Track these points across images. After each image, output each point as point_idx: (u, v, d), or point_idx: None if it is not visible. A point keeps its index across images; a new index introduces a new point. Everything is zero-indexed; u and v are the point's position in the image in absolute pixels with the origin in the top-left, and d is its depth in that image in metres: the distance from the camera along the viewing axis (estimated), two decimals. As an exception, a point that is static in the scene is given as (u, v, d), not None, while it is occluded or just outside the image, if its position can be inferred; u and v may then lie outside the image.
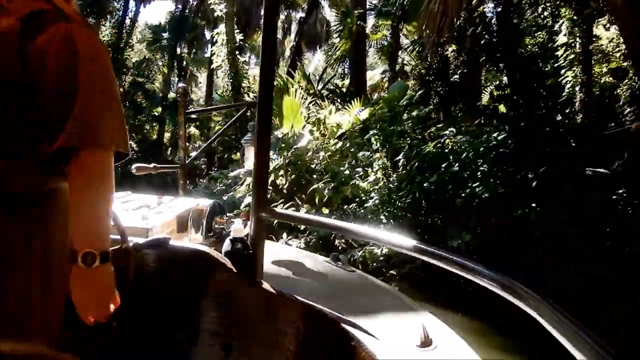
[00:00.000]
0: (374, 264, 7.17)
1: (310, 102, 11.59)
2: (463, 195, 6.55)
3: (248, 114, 3.68)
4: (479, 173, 6.84)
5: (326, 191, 8.36)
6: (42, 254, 1.20)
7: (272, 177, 9.81)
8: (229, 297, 1.74)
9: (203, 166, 29.60)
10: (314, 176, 9.69)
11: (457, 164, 6.89)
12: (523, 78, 7.67)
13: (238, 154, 13.13)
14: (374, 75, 21.67)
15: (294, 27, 31.74)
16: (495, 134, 7.09)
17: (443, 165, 6.90)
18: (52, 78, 1.13)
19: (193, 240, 2.27)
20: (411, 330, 1.39)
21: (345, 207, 8.60)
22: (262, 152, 1.79)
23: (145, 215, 2.17)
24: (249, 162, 2.55)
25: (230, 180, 11.63)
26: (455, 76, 12.23)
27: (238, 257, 1.76)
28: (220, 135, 4.62)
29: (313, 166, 10.00)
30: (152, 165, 3.34)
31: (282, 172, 9.88)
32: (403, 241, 1.32)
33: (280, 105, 11.68)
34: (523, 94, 7.49)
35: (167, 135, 29.59)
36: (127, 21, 28.48)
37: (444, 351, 1.32)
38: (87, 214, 1.21)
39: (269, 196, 10.18)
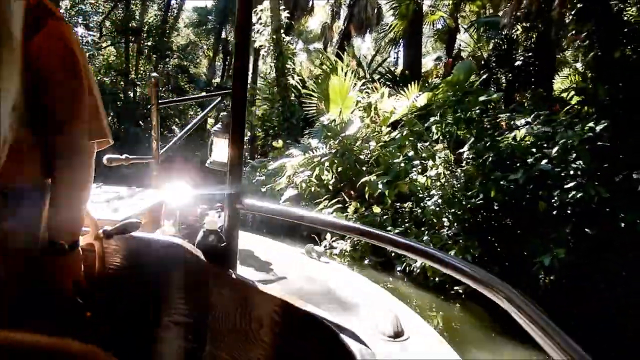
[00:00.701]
0: (436, 279, 5.97)
1: (362, 86, 10.36)
2: (555, 198, 5.24)
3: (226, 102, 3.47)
4: (570, 171, 5.51)
5: (380, 185, 7.17)
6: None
7: (316, 170, 8.69)
8: (201, 290, 1.70)
9: (246, 153, 28.94)
10: (364, 168, 8.52)
11: (544, 160, 5.58)
12: (625, 56, 6.24)
13: (280, 141, 12.06)
14: (426, 62, 20.17)
15: (343, 12, 30.54)
16: (590, 124, 5.72)
17: (529, 160, 5.61)
18: (56, 77, 1.19)
19: (166, 233, 2.20)
20: (384, 321, 1.40)
21: (400, 205, 7.40)
22: (236, 142, 1.71)
23: (116, 207, 2.18)
24: (217, 153, 2.50)
25: (270, 171, 10.61)
26: (522, 58, 10.80)
27: (211, 249, 1.69)
28: (196, 125, 4.39)
29: (363, 157, 8.82)
30: (124, 156, 3.07)
31: (327, 163, 8.74)
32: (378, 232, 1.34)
33: (327, 88, 10.53)
34: (627, 75, 6.07)
35: (210, 121, 28.99)
36: (174, 4, 28.09)
37: (415, 342, 1.35)
38: (62, 206, 1.28)
39: (312, 191, 9.38)
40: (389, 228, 6.96)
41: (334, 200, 7.72)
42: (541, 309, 0.81)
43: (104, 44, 24.27)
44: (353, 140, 9.23)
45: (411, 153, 7.58)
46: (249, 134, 28.78)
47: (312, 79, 13.11)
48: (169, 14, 27.81)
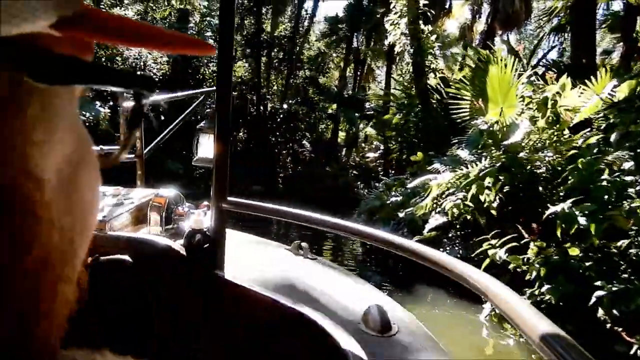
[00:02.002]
0: None
1: (527, 79, 7.85)
2: None
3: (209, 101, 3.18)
4: None
5: (580, 218, 4.69)
6: None
7: (472, 190, 6.37)
8: (186, 289, 1.71)
9: (379, 168, 27.01)
10: (542, 188, 6.06)
11: None
12: None
13: (419, 153, 9.87)
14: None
15: (485, 9, 27.72)
16: None
17: None
18: None
19: (151, 232, 2.10)
20: (372, 317, 1.39)
21: (610, 244, 4.87)
22: (222, 140, 1.75)
23: (100, 206, 1.99)
24: (203, 150, 2.34)
25: (409, 190, 8.49)
26: None
27: (197, 249, 1.69)
28: (179, 124, 3.15)
29: (539, 172, 6.36)
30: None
31: (488, 180, 6.39)
32: (378, 233, 1.37)
33: (482, 84, 8.16)
34: None
35: (341, 134, 27.54)
36: (304, 14, 27.30)
37: (403, 336, 1.35)
38: None
39: (467, 219, 7.12)
40: (597, 283, 4.49)
41: (505, 237, 5.34)
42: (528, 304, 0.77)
43: (234, 58, 23.86)
44: (520, 148, 6.81)
45: (628, 165, 5.02)
46: (381, 147, 27.06)
47: (455, 81, 10.75)
48: (300, 25, 27.01)
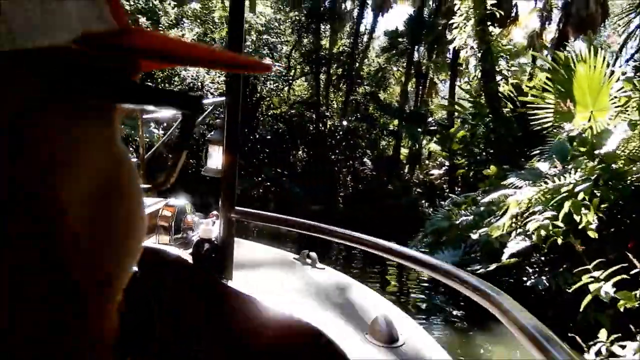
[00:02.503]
0: None
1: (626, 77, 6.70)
2: None
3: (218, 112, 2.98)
4: None
5: None
6: None
7: (565, 208, 5.30)
8: (194, 298, 1.72)
9: (444, 185, 25.74)
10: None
11: None
12: None
13: (492, 167, 8.81)
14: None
15: (555, 15, 26.20)
16: None
17: None
18: None
19: (160, 242, 2.11)
20: (379, 328, 1.38)
21: None
22: (230, 151, 1.78)
23: None
24: (213, 161, 2.36)
25: (482, 209, 7.47)
26: None
27: (205, 258, 1.71)
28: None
29: (646, 186, 5.24)
30: None
31: (582, 196, 5.32)
32: (385, 244, 1.41)
33: (567, 85, 7.08)
34: None
35: (404, 151, 26.50)
36: (363, 29, 26.72)
37: (410, 347, 1.34)
38: None
39: (559, 241, 5.96)
40: None
41: (612, 268, 4.25)
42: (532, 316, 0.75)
43: (292, 75, 23.45)
44: (618, 157, 5.70)
45: None
46: (446, 163, 25.85)
47: (530, 87, 9.61)
48: (359, 40, 26.40)
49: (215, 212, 2.05)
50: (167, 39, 0.33)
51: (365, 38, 27.07)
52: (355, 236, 1.48)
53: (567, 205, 5.16)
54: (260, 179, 18.39)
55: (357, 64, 25.26)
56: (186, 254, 1.79)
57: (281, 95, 22.97)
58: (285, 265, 2.07)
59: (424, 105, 26.24)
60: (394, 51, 27.25)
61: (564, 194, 5.38)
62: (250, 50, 18.63)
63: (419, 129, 23.52)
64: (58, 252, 0.29)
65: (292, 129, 21.19)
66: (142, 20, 15.77)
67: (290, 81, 23.44)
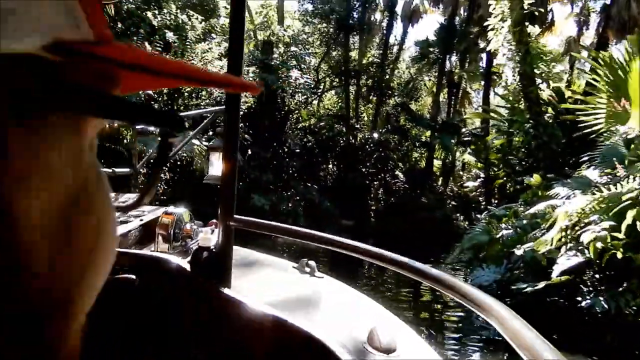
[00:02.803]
0: None
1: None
2: None
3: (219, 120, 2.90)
4: None
5: None
6: None
7: (629, 216, 4.67)
8: (193, 306, 1.75)
9: (480, 198, 24.90)
10: None
11: None
12: None
13: (536, 176, 8.17)
14: None
15: (592, 20, 25.39)
16: None
17: None
18: None
19: (159, 250, 2.14)
20: (376, 336, 1.37)
21: None
22: (229, 157, 1.78)
23: None
24: (214, 169, 2.50)
25: (525, 222, 6.85)
26: None
27: (203, 266, 1.74)
28: (185, 143, 3.43)
29: None
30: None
31: (644, 206, 4.68)
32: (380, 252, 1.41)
33: (623, 84, 6.46)
34: None
35: (436, 163, 25.82)
36: (393, 40, 26.32)
37: (408, 357, 1.34)
38: None
39: (619, 255, 5.33)
40: None
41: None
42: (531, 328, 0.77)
43: (321, 87, 23.13)
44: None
45: None
46: (481, 174, 25.04)
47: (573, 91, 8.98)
48: (388, 51, 25.97)
49: (214, 221, 2.04)
50: (147, 55, 0.32)
51: (395, 49, 26.68)
52: (354, 245, 1.47)
53: (630, 215, 4.53)
54: (289, 193, 17.99)
55: (387, 75, 24.79)
56: (185, 262, 1.81)
57: (310, 108, 22.65)
58: (283, 274, 2.06)
59: (457, 116, 25.59)
60: (425, 61, 26.72)
61: (626, 202, 4.76)
62: (278, 62, 18.34)
63: (452, 140, 22.84)
64: (13, 262, 0.28)
65: (322, 142, 20.79)
66: (169, 35, 15.69)
67: (319, 94, 23.11)
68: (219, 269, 1.71)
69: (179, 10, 16.56)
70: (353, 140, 22.64)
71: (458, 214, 21.95)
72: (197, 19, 16.69)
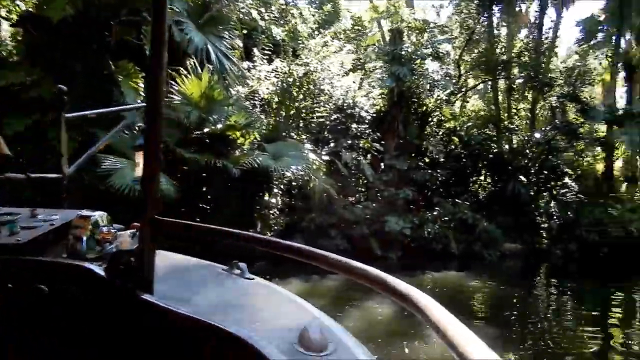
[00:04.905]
0: None
1: None
2: None
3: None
4: None
5: None
6: None
7: None
8: (109, 314, 1.69)
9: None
10: None
11: None
12: None
13: None
14: None
15: None
16: None
17: None
18: None
19: (71, 256, 2.08)
20: (308, 337, 1.37)
21: None
22: (151, 157, 1.71)
23: (13, 229, 2.17)
24: (140, 170, 2.24)
25: None
26: None
27: (122, 272, 1.66)
28: (103, 143, 3.68)
29: None
30: (25, 175, 3.03)
31: None
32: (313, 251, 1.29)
33: None
34: None
35: (618, 164, 20.51)
36: (548, 23, 21.71)
37: (339, 355, 1.34)
38: None
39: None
40: None
41: None
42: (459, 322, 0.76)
43: (465, 83, 19.19)
44: None
45: None
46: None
47: None
48: (544, 36, 21.34)
49: (136, 223, 1.94)
50: None
51: (550, 33, 21.94)
52: (296, 247, 1.34)
53: None
54: (434, 213, 14.33)
55: (544, 65, 20.10)
56: (101, 269, 1.73)
57: (453, 108, 18.84)
58: (212, 277, 2.00)
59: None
60: (592, 42, 21.70)
61: None
62: (410, 51, 14.91)
63: (637, 134, 17.37)
64: None
65: (470, 148, 16.83)
66: (276, 31, 13.23)
67: (464, 90, 19.17)
68: (140, 274, 1.62)
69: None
70: (508, 145, 18.37)
71: (662, 229, 16.62)
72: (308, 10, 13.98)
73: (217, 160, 10.60)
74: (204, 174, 11.35)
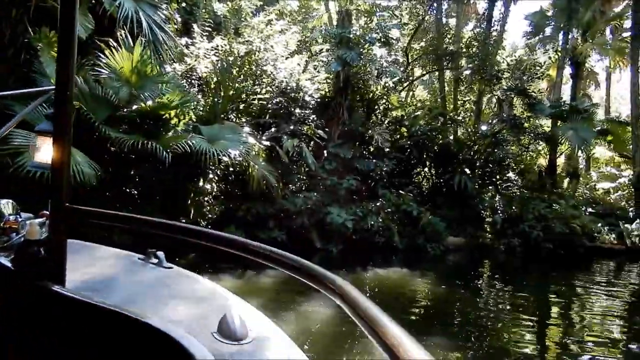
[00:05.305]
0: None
1: None
2: None
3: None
4: None
5: None
6: None
7: None
8: (17, 307, 1.63)
9: (624, 202, 19.46)
10: None
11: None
12: None
13: None
14: None
15: None
16: None
17: None
18: None
19: None
20: (227, 325, 1.35)
21: None
22: (60, 143, 1.62)
23: None
24: (41, 155, 2.32)
25: None
26: None
27: (30, 262, 1.59)
28: (10, 127, 2.69)
29: None
30: None
31: None
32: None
33: None
34: None
35: (560, 160, 20.64)
36: (496, 15, 21.57)
37: (260, 343, 1.33)
38: None
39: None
40: None
41: None
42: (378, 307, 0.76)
43: (412, 71, 18.72)
44: None
45: None
46: (625, 172, 19.68)
47: None
48: (492, 28, 21.23)
49: (46, 212, 1.78)
50: None
51: (497, 26, 21.80)
52: (199, 231, 1.32)
53: None
54: (377, 204, 13.78)
55: (491, 56, 19.87)
56: (7, 260, 1.64)
57: (400, 97, 18.33)
58: (129, 266, 1.93)
59: (586, 100, 20.35)
60: (539, 37, 21.76)
61: None
62: (358, 35, 14.24)
63: (581, 131, 17.33)
64: None
65: (416, 139, 16.36)
66: (218, 6, 12.26)
67: (412, 79, 18.71)
68: (50, 264, 1.56)
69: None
70: (454, 137, 18.08)
71: (599, 225, 16.76)
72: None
73: (148, 141, 9.65)
74: (132, 156, 10.40)
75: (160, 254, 1.96)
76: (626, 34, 22.98)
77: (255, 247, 1.13)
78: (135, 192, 10.81)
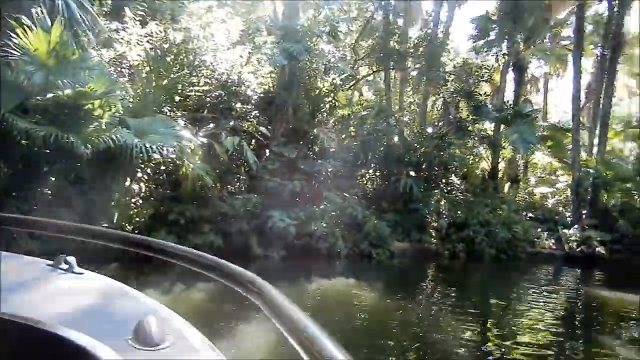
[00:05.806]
0: None
1: None
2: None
3: None
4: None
5: None
6: None
7: None
8: None
9: (562, 207, 19.67)
10: None
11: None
12: None
13: None
14: None
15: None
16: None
17: None
18: None
19: None
20: (143, 330, 1.24)
21: None
22: None
23: None
24: None
25: None
26: None
27: None
28: None
29: None
30: None
31: None
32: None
33: None
34: None
35: (501, 165, 20.67)
36: (443, 18, 21.36)
37: (178, 348, 1.23)
38: None
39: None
40: None
41: None
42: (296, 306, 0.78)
43: (360, 69, 18.09)
44: None
45: None
46: (562, 178, 19.93)
47: None
48: (439, 30, 21.08)
49: None
50: None
51: (442, 28, 21.64)
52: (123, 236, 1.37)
53: None
54: (321, 207, 13.03)
55: (437, 59, 19.58)
56: None
57: (347, 95, 17.69)
58: (35, 273, 1.79)
59: (528, 105, 20.42)
60: (485, 40, 21.75)
61: None
62: (305, 27, 13.42)
63: (524, 135, 17.24)
64: None
65: (361, 140, 15.76)
66: None
67: (359, 77, 18.07)
68: None
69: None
70: (399, 138, 17.60)
71: (539, 230, 16.81)
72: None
73: (64, 134, 8.49)
74: (47, 151, 9.17)
75: (71, 259, 1.80)
76: (565, 42, 23.55)
77: (171, 249, 1.20)
78: (50, 193, 9.55)
